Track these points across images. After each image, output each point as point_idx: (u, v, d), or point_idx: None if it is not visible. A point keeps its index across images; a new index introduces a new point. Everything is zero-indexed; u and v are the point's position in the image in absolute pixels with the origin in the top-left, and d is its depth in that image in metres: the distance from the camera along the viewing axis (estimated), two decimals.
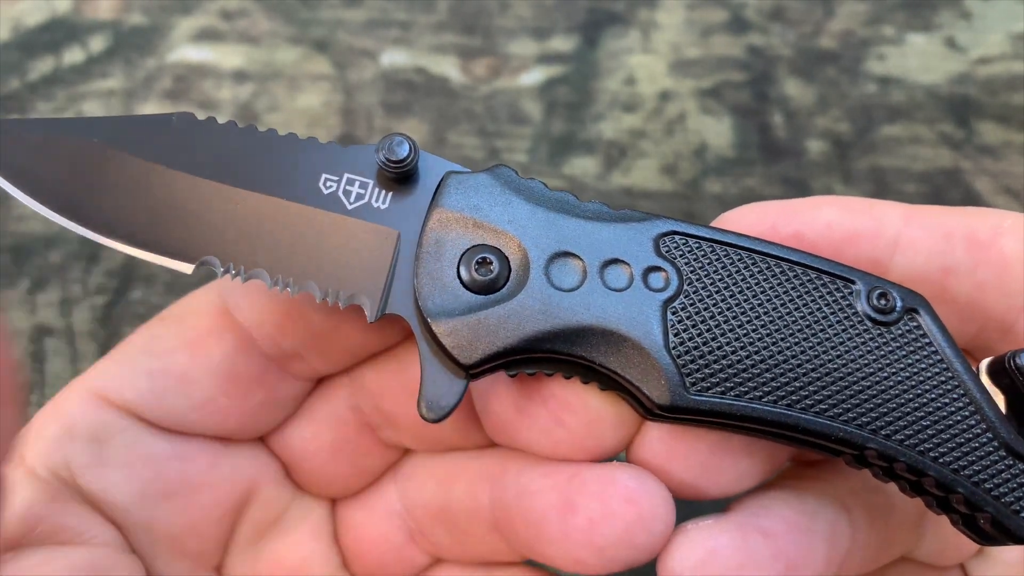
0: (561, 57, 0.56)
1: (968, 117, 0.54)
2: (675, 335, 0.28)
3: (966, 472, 0.27)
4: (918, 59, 0.55)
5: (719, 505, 0.31)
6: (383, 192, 0.30)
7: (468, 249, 0.29)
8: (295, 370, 0.34)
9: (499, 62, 0.55)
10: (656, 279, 0.28)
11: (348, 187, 0.29)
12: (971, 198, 0.51)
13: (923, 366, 0.28)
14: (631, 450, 0.31)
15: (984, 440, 0.27)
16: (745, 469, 0.30)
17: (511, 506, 0.32)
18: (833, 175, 0.52)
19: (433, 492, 0.35)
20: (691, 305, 0.28)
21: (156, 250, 0.30)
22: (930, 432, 0.28)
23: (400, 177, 0.29)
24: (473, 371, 0.28)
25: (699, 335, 0.28)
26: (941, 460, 0.28)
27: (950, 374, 0.28)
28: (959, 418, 0.28)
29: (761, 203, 0.31)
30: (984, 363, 0.28)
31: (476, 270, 0.28)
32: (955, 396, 0.28)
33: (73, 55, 0.56)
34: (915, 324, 0.28)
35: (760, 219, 0.30)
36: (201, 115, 0.31)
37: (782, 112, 0.54)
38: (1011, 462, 0.27)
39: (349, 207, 0.29)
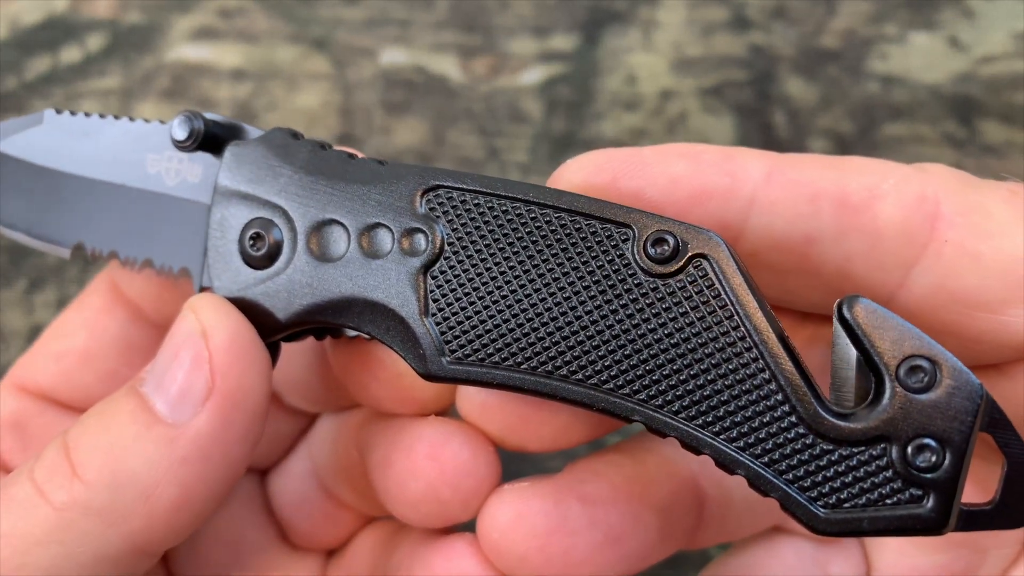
0: (561, 56, 0.55)
1: (971, 116, 0.53)
2: (434, 301, 0.26)
3: (753, 450, 0.23)
4: (921, 58, 0.55)
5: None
6: (195, 167, 0.30)
7: (246, 224, 0.28)
8: None
9: (499, 61, 0.55)
10: (417, 242, 0.26)
11: (168, 164, 0.30)
12: None
13: (706, 324, 0.24)
14: (456, 404, 0.30)
15: (778, 413, 0.23)
16: (565, 424, 0.29)
17: (363, 461, 0.32)
18: None
19: (329, 450, 0.36)
20: (451, 268, 0.26)
21: (43, 239, 0.32)
22: (709, 403, 0.24)
23: (204, 150, 0.29)
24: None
25: (457, 300, 0.26)
26: (723, 435, 0.24)
27: (740, 333, 0.24)
28: (746, 387, 0.24)
29: (604, 151, 0.27)
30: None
31: (251, 246, 0.28)
32: (743, 361, 0.24)
33: (71, 54, 0.55)
34: (702, 273, 0.24)
35: (599, 171, 0.26)
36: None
37: (784, 111, 0.54)
38: (811, 440, 0.23)
39: (170, 184, 0.30)
